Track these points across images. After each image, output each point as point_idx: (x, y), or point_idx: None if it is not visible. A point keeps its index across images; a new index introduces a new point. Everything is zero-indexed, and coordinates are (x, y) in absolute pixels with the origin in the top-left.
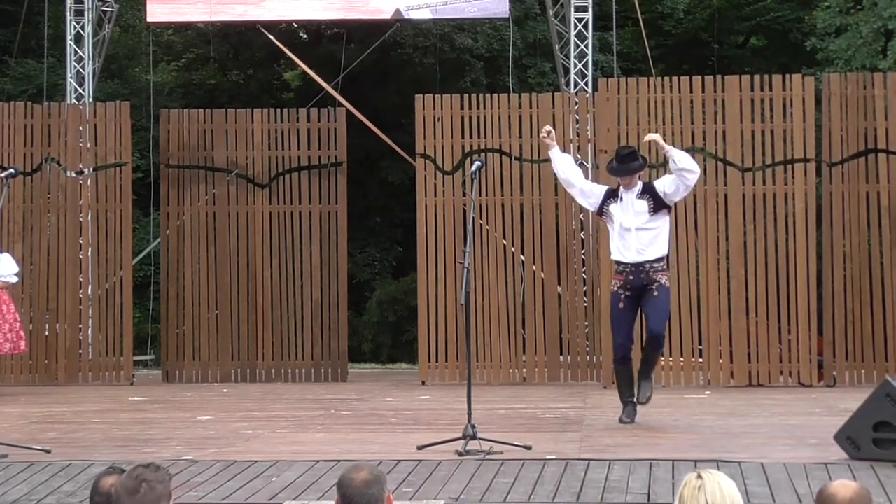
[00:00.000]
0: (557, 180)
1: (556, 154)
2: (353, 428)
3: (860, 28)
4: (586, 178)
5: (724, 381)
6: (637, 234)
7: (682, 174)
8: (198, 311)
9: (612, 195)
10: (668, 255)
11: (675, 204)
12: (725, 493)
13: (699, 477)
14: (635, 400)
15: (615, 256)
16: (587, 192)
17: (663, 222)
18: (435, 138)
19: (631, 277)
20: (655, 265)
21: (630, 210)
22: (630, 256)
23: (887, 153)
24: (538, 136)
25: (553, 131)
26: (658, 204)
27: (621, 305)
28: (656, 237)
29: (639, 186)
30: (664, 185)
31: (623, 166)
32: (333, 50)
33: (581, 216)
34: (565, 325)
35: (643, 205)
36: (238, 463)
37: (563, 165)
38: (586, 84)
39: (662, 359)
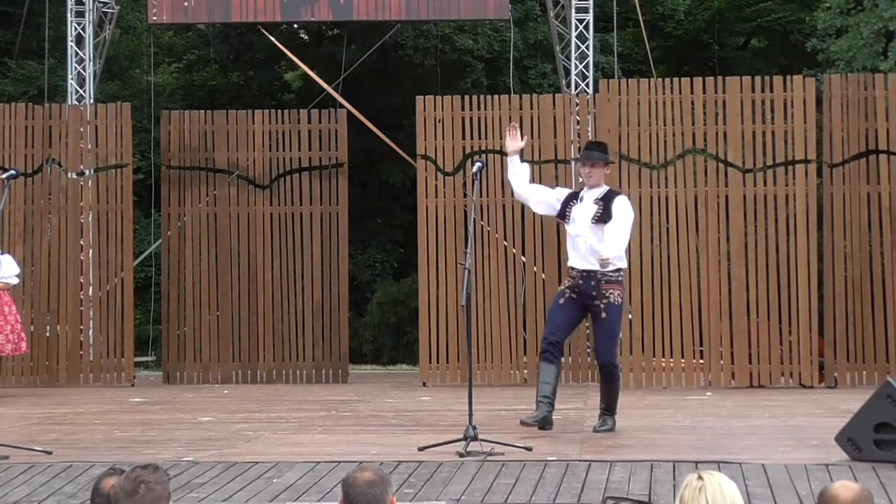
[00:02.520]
0: (557, 182)
1: (516, 163)
2: (353, 429)
3: (861, 29)
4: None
5: (725, 382)
6: (585, 241)
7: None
8: (199, 312)
9: (573, 197)
10: (623, 270)
11: (677, 203)
12: (726, 495)
13: (700, 478)
14: (551, 407)
15: (570, 262)
16: (546, 201)
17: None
18: (436, 139)
19: (581, 283)
20: (610, 275)
21: (583, 213)
22: (579, 263)
23: (888, 154)
24: (539, 137)
25: (517, 130)
26: (605, 217)
27: (561, 301)
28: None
29: (601, 191)
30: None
31: (586, 152)
32: (334, 51)
33: None
34: None
35: (593, 209)
36: (239, 464)
37: (521, 180)
38: (587, 85)
39: (664, 360)
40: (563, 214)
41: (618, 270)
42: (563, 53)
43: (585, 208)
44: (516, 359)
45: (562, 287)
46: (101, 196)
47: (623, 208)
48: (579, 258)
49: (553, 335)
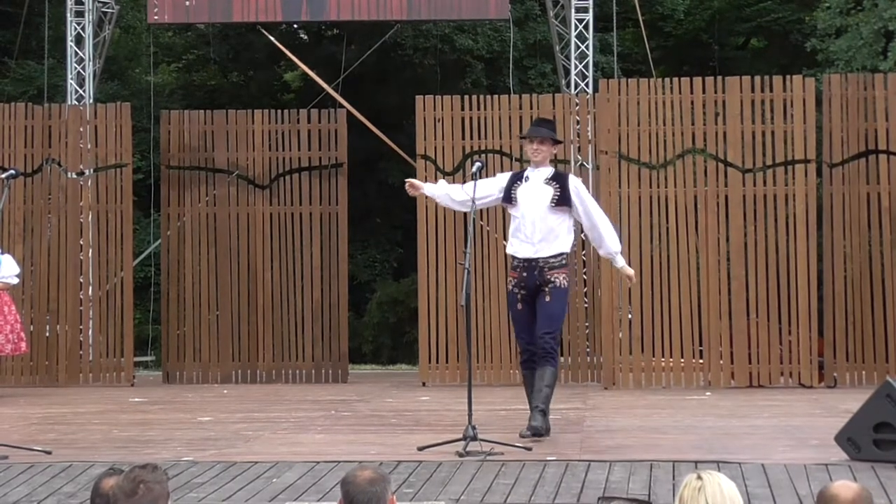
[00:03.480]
0: None
1: (428, 190)
2: (353, 429)
3: (860, 29)
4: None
5: (725, 381)
6: (534, 224)
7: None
8: (198, 312)
9: (518, 178)
10: (567, 254)
11: (677, 203)
12: (726, 494)
13: (699, 478)
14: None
15: (510, 250)
16: (484, 195)
17: (563, 219)
18: (435, 139)
19: (525, 275)
20: (552, 261)
21: (533, 194)
22: (524, 251)
23: (888, 154)
24: None
25: (412, 182)
26: (564, 199)
27: (519, 307)
28: (553, 232)
29: (549, 171)
30: (580, 208)
31: (533, 128)
32: (334, 51)
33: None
34: (565, 326)
35: (549, 192)
36: (238, 464)
37: (441, 194)
38: (587, 85)
39: (663, 360)
40: (509, 197)
41: (560, 255)
42: (562, 53)
43: (534, 189)
44: (516, 359)
45: (510, 288)
46: (100, 196)
47: (586, 194)
48: (521, 243)
49: (527, 343)
